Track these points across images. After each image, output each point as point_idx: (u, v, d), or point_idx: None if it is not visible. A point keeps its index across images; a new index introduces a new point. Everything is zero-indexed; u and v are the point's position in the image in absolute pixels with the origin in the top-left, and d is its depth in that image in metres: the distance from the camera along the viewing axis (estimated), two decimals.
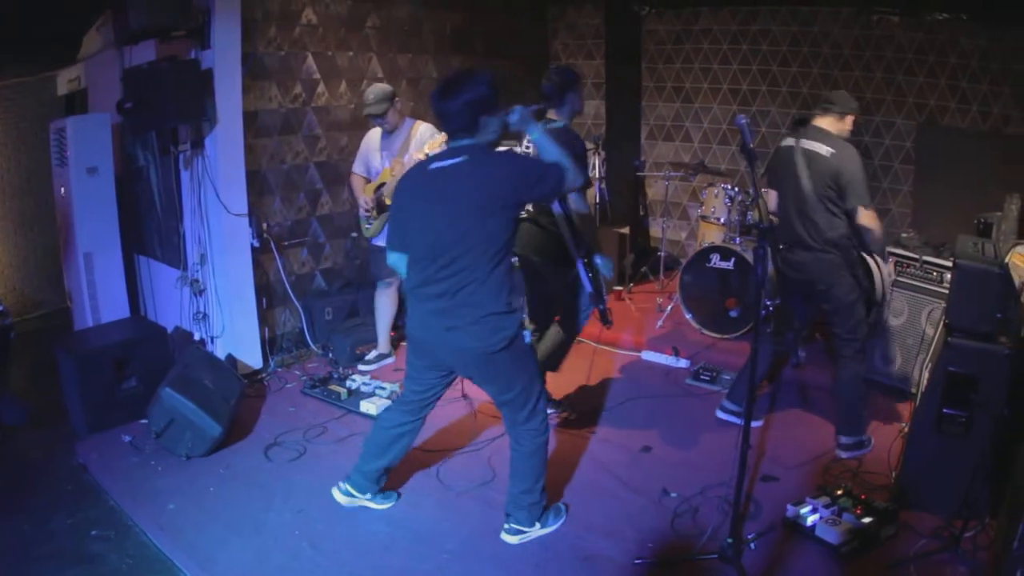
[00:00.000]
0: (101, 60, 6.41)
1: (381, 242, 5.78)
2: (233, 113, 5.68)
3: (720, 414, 5.27)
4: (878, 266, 4.93)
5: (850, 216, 4.51)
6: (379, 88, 5.64)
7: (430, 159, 3.66)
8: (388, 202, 5.58)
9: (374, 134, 5.90)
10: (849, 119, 4.63)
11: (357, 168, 5.99)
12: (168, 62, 5.24)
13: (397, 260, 3.78)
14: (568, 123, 4.74)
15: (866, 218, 4.45)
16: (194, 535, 4.00)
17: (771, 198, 4.95)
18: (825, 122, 4.63)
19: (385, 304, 6.19)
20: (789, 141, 4.72)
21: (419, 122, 5.84)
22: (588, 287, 4.67)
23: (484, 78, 3.52)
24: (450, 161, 3.50)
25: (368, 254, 6.38)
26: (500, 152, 3.99)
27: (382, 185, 5.76)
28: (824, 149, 4.49)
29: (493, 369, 3.69)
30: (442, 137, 5.28)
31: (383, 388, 5.66)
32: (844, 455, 4.79)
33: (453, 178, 3.47)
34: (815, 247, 4.59)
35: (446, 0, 7.64)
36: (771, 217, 6.32)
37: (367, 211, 5.85)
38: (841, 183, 4.43)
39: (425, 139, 5.56)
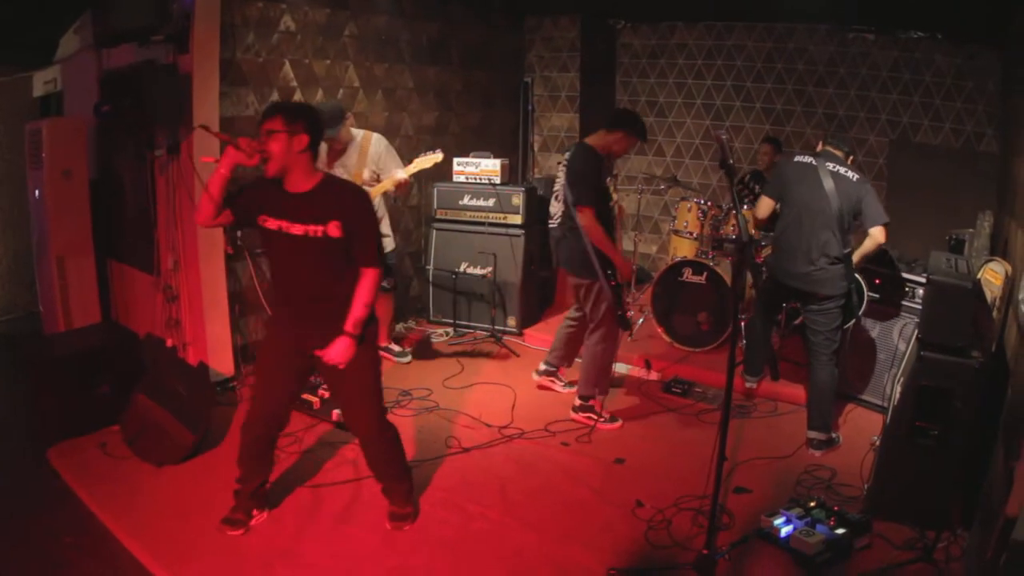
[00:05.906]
0: (78, 62, 6.35)
1: None
2: (210, 119, 5.62)
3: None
4: (863, 282, 5.34)
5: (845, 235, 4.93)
6: (329, 105, 5.52)
7: None
8: None
9: (320, 151, 5.75)
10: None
11: None
12: (146, 66, 5.20)
13: None
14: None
15: (881, 234, 4.82)
16: (167, 543, 3.94)
17: (765, 207, 5.22)
18: (840, 152, 4.99)
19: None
20: (806, 159, 4.98)
21: (367, 132, 5.71)
22: None
23: None
24: None
25: None
26: None
27: None
28: (851, 174, 4.88)
29: None
30: (436, 156, 5.26)
31: None
32: (817, 452, 5.04)
33: None
34: (826, 259, 4.87)
35: (423, 11, 7.64)
36: (754, 230, 6.42)
37: None
38: (863, 206, 4.82)
39: (380, 150, 5.37)
